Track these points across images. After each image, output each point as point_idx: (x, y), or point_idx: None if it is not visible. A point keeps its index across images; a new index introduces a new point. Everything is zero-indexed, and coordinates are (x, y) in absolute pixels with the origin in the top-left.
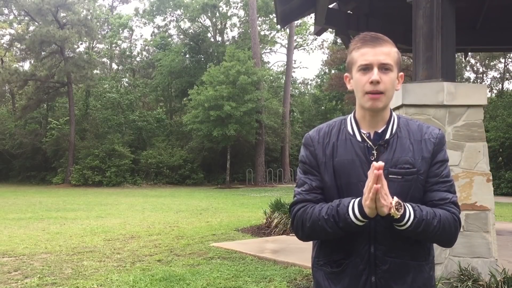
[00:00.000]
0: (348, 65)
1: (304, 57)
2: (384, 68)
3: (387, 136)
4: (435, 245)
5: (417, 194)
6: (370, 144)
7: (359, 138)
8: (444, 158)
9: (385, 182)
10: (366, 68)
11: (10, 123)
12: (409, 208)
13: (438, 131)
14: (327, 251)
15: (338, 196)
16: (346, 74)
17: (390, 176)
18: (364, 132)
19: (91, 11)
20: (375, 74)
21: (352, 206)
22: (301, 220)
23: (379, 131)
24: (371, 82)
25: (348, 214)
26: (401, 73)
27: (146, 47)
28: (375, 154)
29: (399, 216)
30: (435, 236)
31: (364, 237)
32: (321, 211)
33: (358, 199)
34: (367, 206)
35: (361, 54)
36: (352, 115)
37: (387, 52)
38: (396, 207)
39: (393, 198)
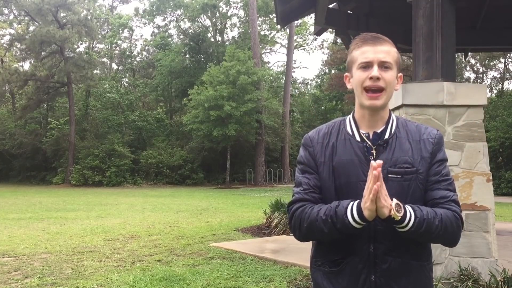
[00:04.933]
0: (349, 64)
1: (304, 57)
2: (384, 66)
3: (386, 136)
4: (435, 245)
5: (417, 194)
6: (369, 144)
7: (358, 138)
8: (443, 157)
9: (383, 184)
10: (366, 66)
11: (10, 123)
12: (409, 209)
13: (436, 131)
14: (325, 251)
15: (336, 196)
16: (346, 73)
17: (389, 175)
18: (363, 132)
19: (91, 11)
20: (375, 70)
21: (351, 208)
22: (299, 220)
23: (378, 131)
24: (371, 78)
25: (346, 216)
26: (400, 74)
27: (146, 47)
28: (374, 154)
29: (399, 217)
30: (438, 236)
31: (363, 236)
32: (319, 212)
33: (357, 201)
34: (367, 208)
35: (362, 52)
36: (351, 115)
37: (387, 51)
38: (396, 208)
39: (392, 200)
